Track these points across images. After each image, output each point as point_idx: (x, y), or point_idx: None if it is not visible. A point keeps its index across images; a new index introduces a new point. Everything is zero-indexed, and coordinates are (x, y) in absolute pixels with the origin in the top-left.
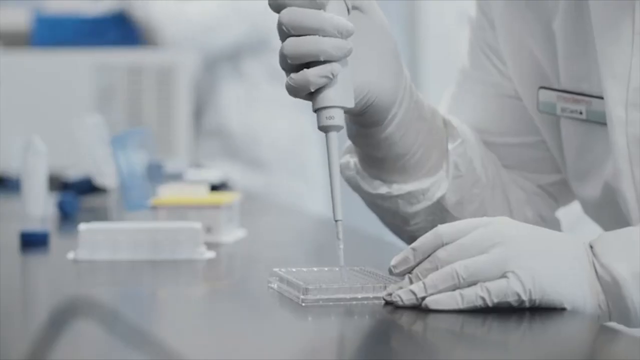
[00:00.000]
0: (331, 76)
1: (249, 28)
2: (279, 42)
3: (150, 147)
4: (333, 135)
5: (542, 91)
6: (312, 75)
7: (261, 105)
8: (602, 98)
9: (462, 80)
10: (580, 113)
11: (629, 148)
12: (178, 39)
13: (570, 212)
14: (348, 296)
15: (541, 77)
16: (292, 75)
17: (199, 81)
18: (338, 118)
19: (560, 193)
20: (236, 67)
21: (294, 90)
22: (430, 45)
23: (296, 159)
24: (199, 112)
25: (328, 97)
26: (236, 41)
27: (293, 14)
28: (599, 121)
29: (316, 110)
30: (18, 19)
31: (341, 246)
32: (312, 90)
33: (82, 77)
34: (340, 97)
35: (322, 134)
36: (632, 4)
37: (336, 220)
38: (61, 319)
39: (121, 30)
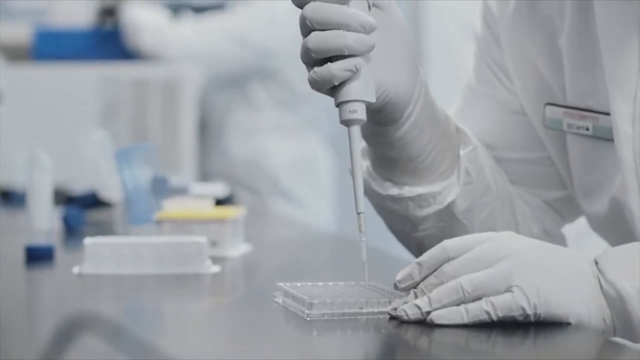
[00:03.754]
0: (355, 70)
1: (252, 57)
2: (287, 73)
3: (155, 161)
4: (356, 129)
5: (549, 107)
6: (336, 69)
7: (265, 129)
8: (608, 114)
9: (468, 95)
10: (587, 129)
11: (636, 163)
12: (172, 60)
13: (575, 228)
14: (353, 311)
15: (547, 93)
16: (316, 69)
17: (206, 104)
18: (360, 112)
19: (566, 209)
20: (243, 93)
21: (317, 84)
22: (433, 56)
23: (299, 185)
24: (204, 128)
25: (351, 90)
26: (237, 69)
27: (318, 9)
28: (606, 137)
29: (339, 104)
30: (19, 32)
31: (363, 239)
32: (336, 84)
33: (87, 91)
34: (363, 91)
35: (331, 156)
36: (639, 20)
37: (358, 213)
38: (67, 333)
39: (122, 44)
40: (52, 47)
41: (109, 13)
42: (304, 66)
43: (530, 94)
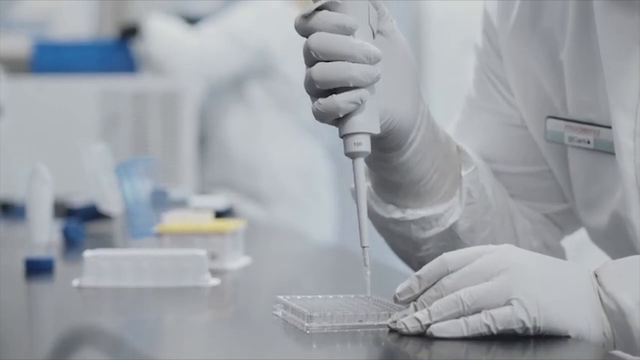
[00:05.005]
0: (360, 102)
1: (252, 56)
2: (284, 69)
3: (155, 174)
4: (360, 161)
5: (550, 120)
6: (341, 101)
7: (264, 132)
8: (610, 127)
9: (468, 108)
10: (588, 142)
11: (637, 177)
12: (180, 70)
13: (574, 239)
14: (353, 324)
15: (548, 106)
16: (320, 100)
17: (203, 109)
18: (365, 144)
19: (566, 222)
20: (240, 93)
21: (321, 116)
22: (434, 70)
23: (300, 190)
24: (203, 140)
25: (356, 123)
26: (238, 70)
27: (322, 39)
28: (607, 151)
29: (343, 136)
30: (19, 45)
31: (368, 273)
32: (341, 116)
33: (87, 104)
34: (367, 123)
35: (330, 165)
36: None
37: (363, 247)
38: (67, 346)
39: (121, 56)
40: (51, 59)
41: (131, 31)
42: (301, 61)
43: (531, 107)
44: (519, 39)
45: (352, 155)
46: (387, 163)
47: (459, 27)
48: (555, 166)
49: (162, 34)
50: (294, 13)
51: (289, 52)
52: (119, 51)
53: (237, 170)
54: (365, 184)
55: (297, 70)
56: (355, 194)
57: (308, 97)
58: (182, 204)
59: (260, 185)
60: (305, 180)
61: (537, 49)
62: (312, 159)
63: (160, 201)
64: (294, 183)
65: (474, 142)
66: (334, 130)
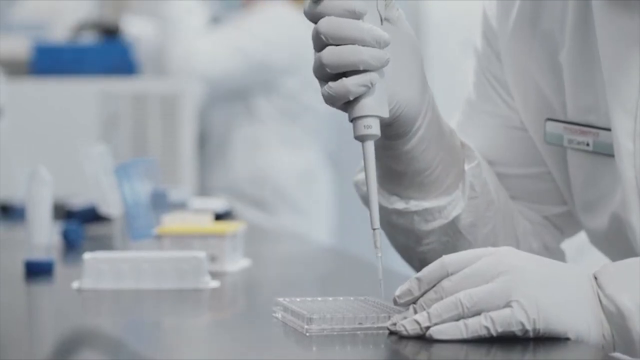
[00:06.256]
0: (370, 85)
1: (256, 72)
2: (285, 83)
3: (154, 176)
4: (370, 144)
5: (549, 122)
6: (351, 84)
7: (269, 145)
8: (609, 130)
9: (468, 110)
10: (587, 145)
11: (637, 179)
12: (186, 75)
13: (574, 242)
14: (352, 326)
15: (547, 109)
16: (331, 84)
17: (208, 118)
18: (375, 127)
19: (566, 224)
20: (246, 106)
21: (332, 99)
22: (433, 72)
23: (301, 199)
24: (204, 143)
25: (366, 106)
26: (242, 84)
27: (332, 23)
28: (606, 153)
29: (353, 120)
30: (18, 47)
31: (379, 254)
32: (351, 99)
33: (87, 106)
34: (377, 106)
35: (329, 170)
36: None
37: (374, 229)
38: (66, 349)
39: (121, 57)
40: (51, 61)
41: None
42: (305, 76)
43: (531, 110)
44: (519, 41)
45: (361, 139)
46: (393, 151)
47: (458, 27)
48: (554, 168)
49: (185, 28)
50: (298, 30)
51: (293, 68)
52: (119, 52)
53: (241, 179)
54: (374, 167)
55: (300, 86)
56: (365, 177)
57: (309, 108)
58: (181, 206)
59: (265, 193)
60: (306, 187)
61: (537, 51)
62: (313, 166)
63: (160, 203)
64: (299, 189)
65: (473, 144)
66: (334, 137)
